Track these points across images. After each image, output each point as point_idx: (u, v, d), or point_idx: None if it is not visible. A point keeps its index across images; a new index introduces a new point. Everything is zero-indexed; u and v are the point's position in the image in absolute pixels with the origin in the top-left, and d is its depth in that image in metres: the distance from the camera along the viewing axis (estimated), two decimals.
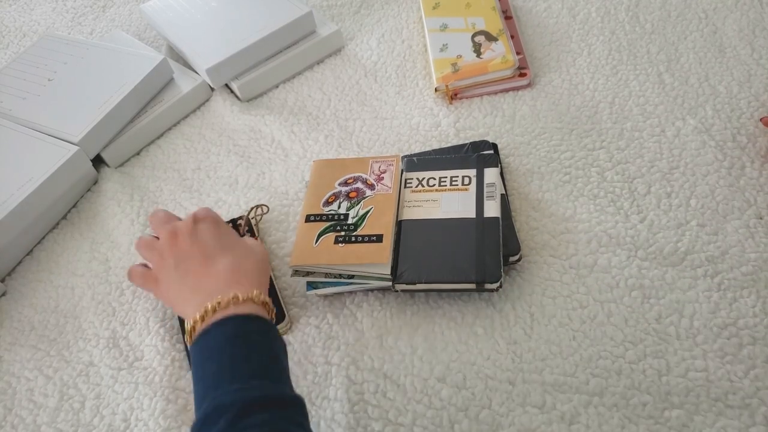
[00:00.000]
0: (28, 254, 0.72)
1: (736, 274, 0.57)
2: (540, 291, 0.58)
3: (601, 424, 0.50)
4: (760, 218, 0.61)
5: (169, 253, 0.54)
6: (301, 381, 0.56)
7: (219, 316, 0.47)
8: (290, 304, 0.62)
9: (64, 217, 0.75)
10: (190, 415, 0.55)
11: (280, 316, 0.59)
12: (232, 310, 0.48)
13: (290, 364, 0.57)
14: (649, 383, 0.51)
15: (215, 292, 0.49)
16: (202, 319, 0.48)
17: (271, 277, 0.62)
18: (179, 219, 0.58)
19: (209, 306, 0.48)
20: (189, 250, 0.53)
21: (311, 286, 0.60)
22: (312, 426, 0.52)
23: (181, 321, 0.61)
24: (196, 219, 0.56)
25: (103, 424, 0.56)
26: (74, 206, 0.75)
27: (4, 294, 0.68)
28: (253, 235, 0.66)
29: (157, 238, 0.57)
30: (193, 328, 0.48)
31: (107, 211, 0.73)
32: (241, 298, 0.49)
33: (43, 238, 0.73)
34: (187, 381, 0.57)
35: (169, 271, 0.53)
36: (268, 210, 0.69)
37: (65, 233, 0.73)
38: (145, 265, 0.58)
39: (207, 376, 0.45)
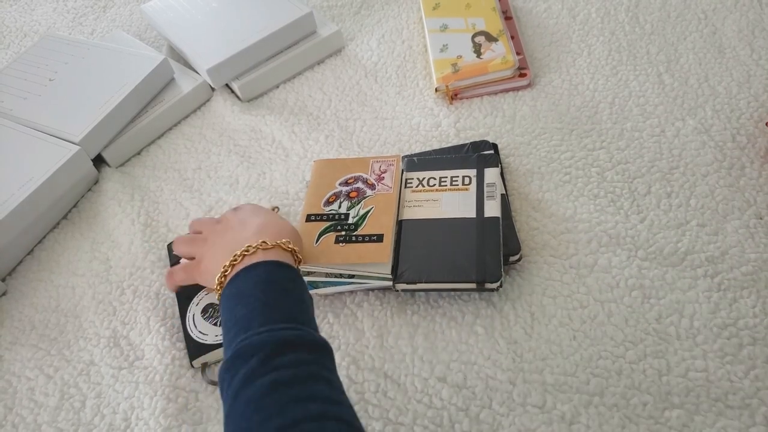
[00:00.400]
0: (28, 254, 0.72)
1: (736, 275, 0.57)
2: (540, 291, 0.58)
3: (601, 424, 0.50)
4: (760, 218, 0.61)
5: (214, 224, 0.58)
6: None
7: (248, 262, 0.49)
8: None
9: (65, 217, 0.75)
10: (191, 414, 0.55)
11: None
12: (261, 256, 0.49)
13: None
14: (649, 383, 0.51)
15: (245, 241, 0.51)
16: (232, 266, 0.49)
17: None
18: None
19: (238, 253, 0.49)
20: (231, 219, 0.57)
21: (312, 285, 0.60)
22: None
23: (182, 311, 0.61)
24: (236, 207, 0.59)
25: (103, 423, 0.56)
26: (75, 206, 0.76)
27: (4, 293, 0.69)
28: None
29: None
30: (224, 275, 0.49)
31: (108, 210, 0.74)
32: (269, 244, 0.50)
33: (44, 237, 0.73)
34: (187, 380, 0.57)
35: (214, 236, 0.56)
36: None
37: (66, 233, 0.73)
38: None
39: (238, 319, 0.45)
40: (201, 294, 0.61)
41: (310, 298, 0.50)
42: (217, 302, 0.57)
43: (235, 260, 0.49)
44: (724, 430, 0.48)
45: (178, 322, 0.61)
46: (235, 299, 0.47)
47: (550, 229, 0.63)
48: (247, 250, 0.50)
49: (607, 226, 0.62)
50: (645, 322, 0.55)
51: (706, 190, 0.64)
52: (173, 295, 0.63)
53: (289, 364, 0.41)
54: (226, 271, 0.49)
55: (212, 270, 0.52)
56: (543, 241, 0.62)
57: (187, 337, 0.59)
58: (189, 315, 0.60)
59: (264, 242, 0.50)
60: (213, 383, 0.57)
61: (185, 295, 0.62)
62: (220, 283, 0.50)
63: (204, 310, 0.60)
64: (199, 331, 0.59)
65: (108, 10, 1.04)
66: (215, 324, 0.59)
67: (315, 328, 0.47)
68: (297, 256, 0.53)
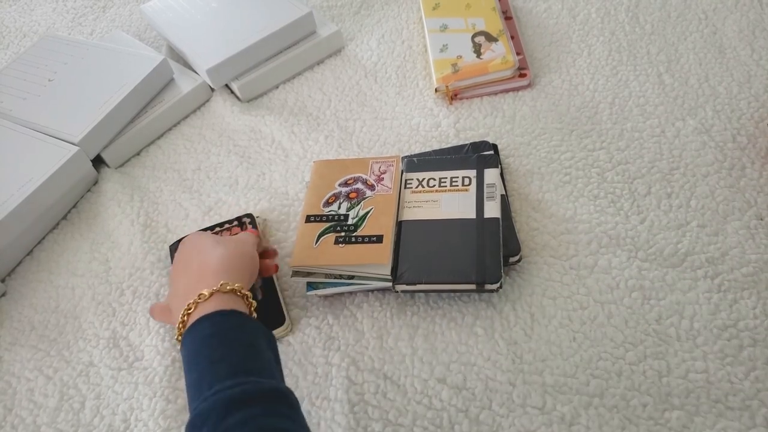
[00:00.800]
0: (28, 254, 0.72)
1: (737, 276, 0.57)
2: (540, 292, 0.58)
3: (601, 425, 0.50)
4: (761, 219, 0.61)
5: (174, 265, 0.57)
6: (301, 381, 0.56)
7: (193, 318, 0.48)
8: (291, 305, 0.62)
9: (65, 218, 0.75)
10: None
11: (281, 319, 0.59)
12: (201, 310, 0.48)
13: (290, 364, 0.58)
14: (649, 384, 0.51)
15: (186, 294, 0.50)
16: (182, 324, 0.49)
17: (273, 277, 0.62)
18: None
19: (182, 313, 0.49)
20: (177, 261, 0.56)
21: (311, 286, 0.60)
22: (312, 426, 0.52)
23: None
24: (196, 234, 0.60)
25: (103, 424, 0.56)
26: (74, 206, 0.75)
27: (4, 294, 0.68)
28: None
29: None
30: (178, 338, 0.49)
31: (107, 211, 0.73)
32: (206, 294, 0.49)
33: (44, 238, 0.73)
34: None
35: (172, 282, 0.55)
36: (258, 220, 0.69)
37: (65, 233, 0.73)
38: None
39: (190, 384, 0.45)
40: None
41: (267, 338, 0.49)
42: None
43: (183, 320, 0.49)
44: None
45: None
46: (186, 363, 0.47)
47: (550, 229, 0.63)
48: (189, 308, 0.49)
49: (607, 227, 0.62)
50: (645, 324, 0.55)
51: (707, 190, 0.64)
52: None
53: (240, 424, 0.40)
54: (180, 332, 0.49)
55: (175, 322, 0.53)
56: (543, 241, 0.62)
57: None
58: None
59: (201, 294, 0.49)
60: None
61: None
62: (178, 343, 0.49)
63: None
64: None
65: (107, 10, 1.04)
66: None
67: (270, 373, 0.46)
68: (241, 292, 0.51)
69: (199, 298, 0.49)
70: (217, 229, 0.67)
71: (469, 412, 0.52)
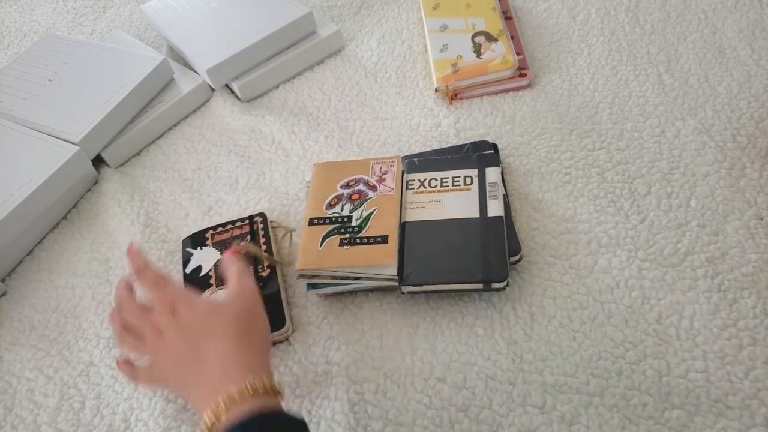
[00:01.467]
0: (28, 254, 0.72)
1: (737, 275, 0.57)
2: (540, 291, 0.58)
3: (601, 424, 0.50)
4: (761, 219, 0.61)
5: (160, 353, 0.49)
6: (301, 381, 0.56)
7: (228, 420, 0.43)
8: (291, 305, 0.62)
9: (65, 218, 0.75)
10: (190, 415, 0.55)
11: (281, 321, 0.59)
12: (237, 414, 0.43)
13: (290, 363, 0.58)
14: (649, 384, 0.51)
15: (209, 392, 0.45)
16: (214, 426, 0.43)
17: (278, 278, 0.62)
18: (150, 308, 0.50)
19: (207, 423, 0.43)
20: (177, 347, 0.47)
21: (311, 285, 0.60)
22: (312, 426, 0.52)
23: None
24: (171, 307, 0.48)
25: (103, 424, 0.56)
26: (74, 206, 0.76)
27: (4, 294, 0.68)
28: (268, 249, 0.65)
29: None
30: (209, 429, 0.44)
31: (107, 211, 0.74)
32: (249, 391, 0.44)
33: (44, 238, 0.73)
34: None
35: (167, 367, 0.49)
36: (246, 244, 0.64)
37: (65, 233, 0.73)
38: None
39: None
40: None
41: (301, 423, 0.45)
42: None
43: (214, 426, 0.43)
44: (723, 431, 0.48)
45: None
46: None
47: (550, 229, 0.63)
48: (218, 411, 0.43)
49: (607, 227, 0.62)
50: (645, 323, 0.55)
51: (707, 190, 0.64)
52: None
53: None
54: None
55: (177, 389, 0.48)
56: (543, 241, 0.62)
57: None
58: None
59: (231, 396, 0.43)
60: None
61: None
62: None
63: None
64: None
65: (108, 10, 1.04)
66: None
67: None
68: (276, 389, 0.46)
69: (229, 400, 0.43)
70: (229, 226, 0.67)
71: (469, 411, 0.52)
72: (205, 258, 0.64)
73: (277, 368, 0.58)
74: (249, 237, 0.65)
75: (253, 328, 0.49)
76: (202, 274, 0.63)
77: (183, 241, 0.67)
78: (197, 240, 0.66)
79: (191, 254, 0.65)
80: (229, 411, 0.43)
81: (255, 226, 0.66)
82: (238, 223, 0.67)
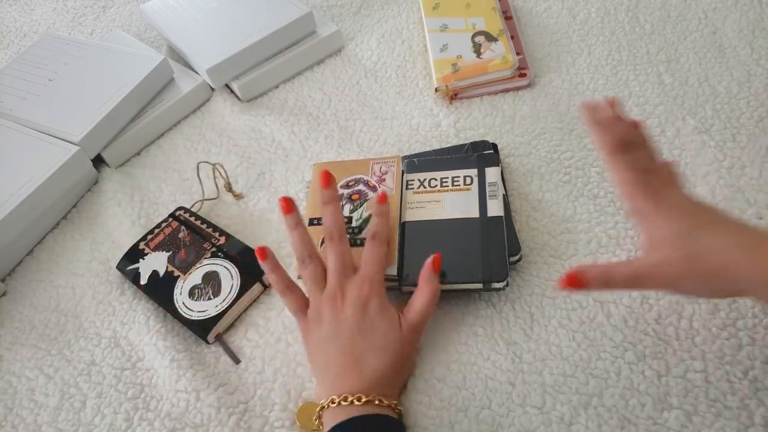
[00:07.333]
0: (28, 254, 0.72)
1: None
2: (540, 291, 0.58)
3: (600, 424, 0.50)
4: (760, 219, 0.61)
5: (328, 320, 0.53)
6: (303, 381, 0.56)
7: (345, 415, 0.47)
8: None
9: (65, 217, 0.75)
10: (191, 416, 0.55)
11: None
12: (362, 411, 0.48)
13: (291, 364, 0.58)
14: (648, 384, 0.51)
15: (358, 378, 0.50)
16: (334, 402, 0.48)
17: None
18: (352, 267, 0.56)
19: (332, 398, 0.49)
20: (348, 334, 0.52)
21: None
22: None
23: (168, 307, 0.62)
24: (367, 296, 0.54)
25: (104, 424, 0.56)
26: (75, 206, 0.76)
27: (4, 294, 0.69)
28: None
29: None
30: (319, 416, 0.49)
31: (108, 211, 0.74)
32: (364, 399, 0.48)
33: (44, 238, 0.73)
34: (188, 381, 0.57)
35: (320, 338, 0.53)
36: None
37: (66, 233, 0.73)
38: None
39: None
40: (179, 284, 0.62)
41: None
42: (200, 282, 0.62)
43: (324, 409, 0.49)
44: (722, 431, 0.49)
45: (179, 323, 0.61)
46: None
47: (549, 229, 0.63)
48: (336, 401, 0.48)
49: (607, 227, 0.62)
50: (644, 323, 0.55)
51: (706, 190, 0.64)
52: None
53: None
54: (320, 419, 0.49)
55: (312, 360, 0.54)
56: (543, 241, 0.62)
57: (188, 322, 0.60)
58: (178, 305, 0.61)
59: (358, 395, 0.48)
60: (233, 355, 0.58)
61: (162, 294, 0.62)
62: (318, 415, 0.49)
63: (190, 293, 0.61)
64: (197, 311, 0.60)
65: (108, 10, 1.04)
66: (208, 298, 0.61)
67: None
68: (396, 408, 0.50)
69: (354, 396, 0.48)
70: (156, 230, 0.68)
71: (468, 411, 0.52)
72: (154, 263, 0.65)
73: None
74: (185, 229, 0.67)
75: (408, 357, 0.55)
76: (161, 275, 0.64)
77: (117, 266, 0.66)
78: (134, 255, 0.66)
79: (137, 267, 0.65)
80: (351, 408, 0.48)
81: (182, 218, 0.68)
82: (163, 225, 0.68)
